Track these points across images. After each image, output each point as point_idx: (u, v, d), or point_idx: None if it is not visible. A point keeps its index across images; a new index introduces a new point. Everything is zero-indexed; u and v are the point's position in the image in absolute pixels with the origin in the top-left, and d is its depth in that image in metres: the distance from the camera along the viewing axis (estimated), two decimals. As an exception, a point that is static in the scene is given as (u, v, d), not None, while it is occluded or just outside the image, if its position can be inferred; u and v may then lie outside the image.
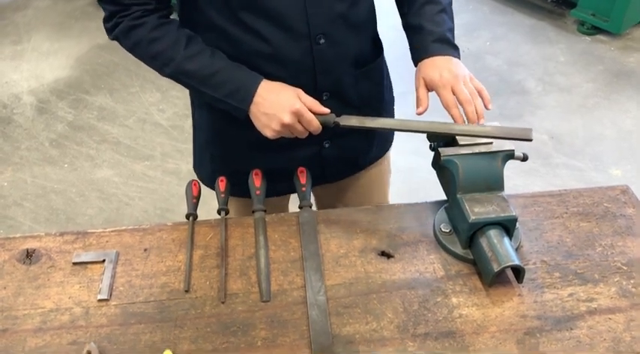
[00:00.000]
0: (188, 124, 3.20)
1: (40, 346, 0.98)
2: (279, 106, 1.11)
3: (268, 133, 1.15)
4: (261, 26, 1.14)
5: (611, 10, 3.69)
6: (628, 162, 2.96)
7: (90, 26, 4.08)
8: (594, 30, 3.85)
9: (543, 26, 3.99)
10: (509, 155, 1.13)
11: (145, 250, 1.15)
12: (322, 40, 1.17)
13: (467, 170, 1.12)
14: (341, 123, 1.15)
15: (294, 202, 1.34)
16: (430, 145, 1.21)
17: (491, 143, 1.14)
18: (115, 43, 1.21)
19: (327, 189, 1.49)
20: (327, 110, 1.15)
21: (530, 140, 1.09)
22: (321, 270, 1.10)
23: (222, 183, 1.25)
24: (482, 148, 1.13)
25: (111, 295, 1.06)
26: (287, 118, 1.11)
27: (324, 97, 1.24)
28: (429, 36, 1.22)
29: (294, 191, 1.29)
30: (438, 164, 1.17)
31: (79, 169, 2.91)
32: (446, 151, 1.14)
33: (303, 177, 1.27)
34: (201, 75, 1.15)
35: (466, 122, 1.16)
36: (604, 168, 2.92)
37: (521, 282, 1.07)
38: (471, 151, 1.13)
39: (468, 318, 1.03)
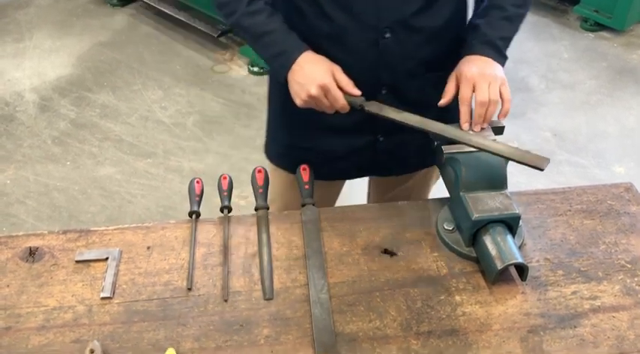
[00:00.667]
0: (190, 121, 3.20)
1: (44, 344, 0.98)
2: (311, 77, 1.14)
3: (297, 102, 1.17)
4: (330, 8, 1.17)
5: (614, 7, 3.68)
6: (631, 159, 2.95)
7: (92, 24, 4.08)
8: (597, 27, 3.84)
9: (546, 23, 3.98)
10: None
11: (148, 248, 1.15)
12: (388, 35, 1.18)
13: (470, 168, 1.12)
14: (366, 108, 1.17)
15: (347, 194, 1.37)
16: (433, 143, 1.21)
17: (494, 141, 1.13)
18: (117, 40, 1.22)
19: (378, 181, 1.58)
20: (357, 92, 1.17)
21: (542, 170, 1.06)
22: (324, 268, 1.10)
23: (224, 181, 1.25)
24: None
25: (114, 293, 1.06)
26: (314, 91, 1.13)
27: (383, 91, 1.25)
28: (481, 37, 1.22)
29: (347, 177, 1.36)
30: (440, 162, 1.17)
31: (82, 166, 2.90)
32: (449, 149, 1.14)
33: (305, 175, 1.27)
34: (254, 32, 1.19)
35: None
36: (607, 165, 2.91)
37: (525, 280, 1.07)
38: (474, 149, 1.12)
39: (472, 316, 1.02)
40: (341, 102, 1.15)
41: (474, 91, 1.15)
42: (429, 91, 1.24)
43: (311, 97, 1.14)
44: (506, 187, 1.13)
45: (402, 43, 1.20)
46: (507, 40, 1.24)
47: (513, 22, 1.24)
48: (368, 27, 1.18)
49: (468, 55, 1.21)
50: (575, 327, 1.01)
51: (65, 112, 3.28)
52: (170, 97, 3.38)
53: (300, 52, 1.16)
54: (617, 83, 3.39)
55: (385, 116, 1.17)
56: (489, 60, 1.19)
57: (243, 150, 3.00)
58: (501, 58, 1.21)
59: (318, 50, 1.18)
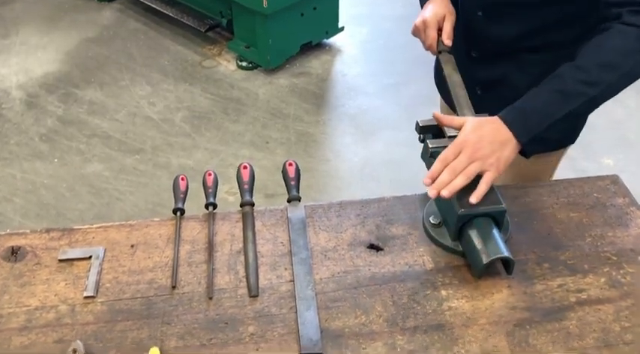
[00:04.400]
0: (179, 117, 3.18)
1: (26, 344, 0.97)
2: (424, 11, 1.33)
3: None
4: None
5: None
6: (620, 151, 2.96)
7: (79, 19, 4.05)
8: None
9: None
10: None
11: (132, 246, 1.13)
12: (480, 13, 1.30)
13: (455, 162, 1.11)
14: (440, 56, 1.33)
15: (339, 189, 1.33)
16: (419, 137, 1.21)
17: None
18: (105, 35, 1.21)
19: None
20: (447, 42, 1.30)
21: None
22: (310, 264, 1.09)
23: (209, 177, 1.24)
24: (471, 140, 1.12)
25: (97, 292, 1.05)
26: (417, 21, 1.32)
27: (474, 54, 1.37)
28: (518, 102, 1.11)
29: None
30: (426, 156, 1.16)
31: (69, 163, 2.88)
32: (434, 143, 1.14)
33: (291, 170, 1.26)
34: None
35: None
36: (595, 157, 2.92)
37: (511, 274, 1.06)
38: (459, 143, 1.12)
39: (458, 310, 1.02)
40: (429, 41, 1.31)
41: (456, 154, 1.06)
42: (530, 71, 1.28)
43: (415, 25, 1.32)
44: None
45: (492, 21, 1.30)
46: (546, 117, 1.07)
47: (568, 100, 1.07)
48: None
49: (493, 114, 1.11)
50: (561, 320, 1.01)
51: (52, 108, 3.26)
52: (158, 93, 3.36)
53: None
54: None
55: (444, 69, 1.30)
56: (503, 131, 1.07)
57: (232, 145, 2.99)
58: (523, 135, 1.07)
59: None
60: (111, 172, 2.83)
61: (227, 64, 3.59)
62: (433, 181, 1.05)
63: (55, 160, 2.91)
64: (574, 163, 2.86)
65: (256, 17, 3.29)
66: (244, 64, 3.52)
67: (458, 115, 1.21)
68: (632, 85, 1.11)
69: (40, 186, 2.76)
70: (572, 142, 1.51)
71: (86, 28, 3.95)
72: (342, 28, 3.71)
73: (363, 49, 3.76)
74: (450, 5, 1.34)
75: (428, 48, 1.33)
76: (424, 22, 1.31)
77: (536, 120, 1.08)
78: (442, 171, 1.05)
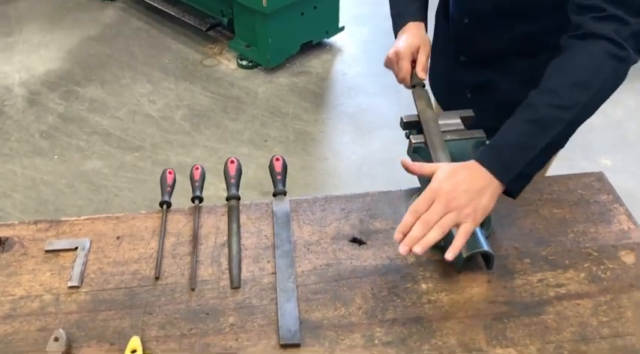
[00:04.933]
0: (179, 115, 3.20)
1: (9, 332, 0.98)
2: (397, 42, 1.28)
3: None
4: None
5: None
6: (618, 151, 2.96)
7: (82, 18, 4.08)
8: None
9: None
10: (481, 142, 1.13)
11: (118, 237, 1.15)
12: (466, 20, 1.29)
13: (438, 157, 1.12)
14: (414, 92, 1.26)
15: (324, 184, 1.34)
16: (405, 133, 1.22)
17: (463, 130, 1.14)
18: (107, 34, 1.23)
19: None
20: (421, 75, 1.26)
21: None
22: (292, 257, 1.10)
23: (196, 171, 1.26)
24: (454, 135, 1.13)
25: (82, 282, 1.07)
26: (390, 53, 1.27)
27: (462, 58, 1.37)
28: (492, 139, 1.03)
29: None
30: (410, 151, 1.17)
31: (69, 160, 2.91)
32: (417, 138, 1.15)
33: (278, 165, 1.27)
34: None
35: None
36: (594, 157, 2.92)
37: (491, 268, 1.07)
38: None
39: (437, 304, 1.03)
40: (402, 74, 1.26)
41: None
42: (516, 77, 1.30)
43: (387, 57, 1.28)
44: (475, 177, 1.13)
45: (479, 27, 1.29)
46: (523, 151, 0.99)
47: (544, 129, 0.99)
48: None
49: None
50: (539, 314, 1.01)
51: (53, 106, 3.28)
52: (159, 91, 3.38)
53: (409, 20, 1.30)
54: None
55: (416, 105, 1.24)
56: (480, 176, 0.99)
57: (231, 143, 3.00)
58: (503, 174, 0.99)
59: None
60: (110, 169, 2.85)
61: (227, 63, 3.61)
62: (404, 235, 0.95)
63: (55, 156, 2.94)
64: (572, 163, 2.87)
65: (256, 16, 3.31)
66: (245, 63, 3.54)
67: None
68: (631, 85, 1.08)
69: (40, 182, 2.79)
70: (561, 147, 1.50)
71: (89, 26, 3.98)
72: (343, 28, 3.73)
73: (364, 48, 3.78)
74: (425, 36, 1.30)
75: (401, 81, 1.27)
76: (397, 54, 1.25)
77: (512, 155, 1.00)
78: (414, 224, 0.95)
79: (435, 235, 0.94)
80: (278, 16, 3.29)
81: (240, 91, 3.38)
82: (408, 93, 1.29)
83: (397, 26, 1.32)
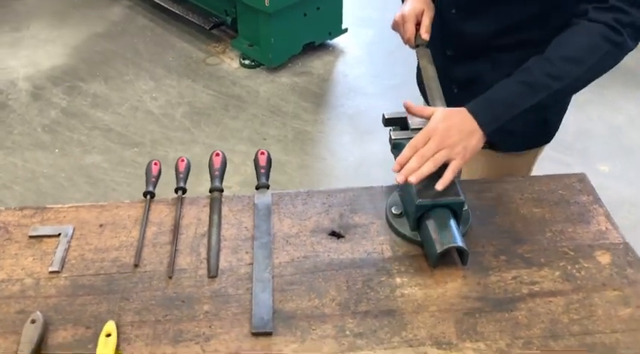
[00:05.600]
0: (180, 112, 3.23)
1: (-12, 313, 1.00)
2: (404, 6, 1.36)
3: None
4: None
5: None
6: (616, 158, 2.96)
7: (89, 15, 4.12)
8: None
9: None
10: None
11: (101, 225, 1.17)
12: (454, 11, 1.32)
13: (417, 153, 1.13)
14: (417, 51, 1.35)
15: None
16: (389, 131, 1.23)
17: (442, 127, 1.15)
18: (113, 31, 1.25)
19: None
20: (424, 36, 1.32)
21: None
22: (270, 248, 1.12)
23: (182, 163, 1.28)
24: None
25: (62, 268, 1.08)
26: (396, 15, 1.36)
27: (448, 53, 1.39)
28: (488, 92, 1.14)
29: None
30: (391, 147, 1.19)
31: (70, 154, 2.94)
32: (397, 135, 1.16)
33: (263, 159, 1.29)
34: None
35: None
36: (592, 163, 2.91)
37: (465, 264, 1.08)
38: (422, 135, 1.14)
39: (410, 297, 1.04)
40: (407, 35, 1.34)
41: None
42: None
43: (394, 20, 1.36)
44: (454, 174, 1.14)
45: (467, 19, 1.32)
46: (511, 108, 1.11)
47: (534, 92, 1.10)
48: None
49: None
50: (511, 310, 1.02)
51: (57, 100, 3.32)
52: (161, 88, 3.41)
53: None
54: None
55: (419, 62, 1.34)
56: (470, 121, 1.11)
57: (230, 141, 3.03)
58: (487, 125, 1.11)
59: None
60: (109, 164, 2.88)
61: (230, 62, 3.64)
62: (402, 167, 1.08)
63: (56, 150, 2.97)
64: (569, 169, 2.86)
65: (259, 16, 3.34)
66: (247, 62, 3.56)
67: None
68: (631, 92, 1.15)
69: (40, 175, 2.82)
70: (547, 142, 1.52)
71: (95, 23, 4.02)
72: (346, 30, 3.74)
73: (367, 50, 3.79)
74: (429, 1, 1.37)
75: (406, 42, 1.36)
76: (403, 17, 1.34)
77: (500, 110, 1.12)
78: (411, 157, 1.08)
79: (428, 168, 1.06)
80: (281, 16, 3.31)
81: (242, 89, 3.41)
82: (408, 95, 1.31)
83: None
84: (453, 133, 1.09)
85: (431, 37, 1.40)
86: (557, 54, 1.12)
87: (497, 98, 1.13)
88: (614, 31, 1.09)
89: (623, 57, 1.13)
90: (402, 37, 1.38)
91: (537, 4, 1.23)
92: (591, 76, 1.12)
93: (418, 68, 1.60)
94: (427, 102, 1.57)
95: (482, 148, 1.46)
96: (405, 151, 1.09)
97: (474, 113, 1.12)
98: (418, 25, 1.35)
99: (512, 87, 1.12)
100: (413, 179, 1.05)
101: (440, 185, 1.07)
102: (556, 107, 1.44)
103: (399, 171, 1.08)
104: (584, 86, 1.15)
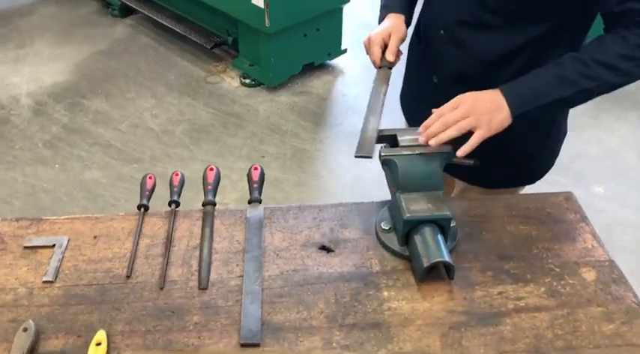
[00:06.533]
0: (179, 129, 3.26)
1: (-19, 322, 1.02)
2: (375, 29, 1.39)
3: None
4: None
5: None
6: (611, 180, 2.98)
7: (92, 33, 4.18)
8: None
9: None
10: (449, 157, 1.17)
11: (95, 237, 1.19)
12: (442, 31, 1.33)
13: (405, 170, 1.16)
14: (376, 74, 1.36)
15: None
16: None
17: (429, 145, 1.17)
18: (115, 49, 1.29)
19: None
20: (389, 58, 1.34)
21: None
22: (261, 261, 1.14)
23: (176, 177, 1.30)
24: (422, 149, 1.16)
25: (56, 278, 1.10)
26: (365, 38, 1.38)
27: (434, 80, 1.40)
28: (521, 78, 1.19)
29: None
30: (381, 164, 1.21)
31: (69, 169, 2.97)
32: (387, 151, 1.18)
33: (255, 174, 1.31)
34: None
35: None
36: (586, 185, 2.93)
37: (452, 278, 1.10)
38: (410, 152, 1.16)
39: (397, 311, 1.06)
40: (372, 57, 1.36)
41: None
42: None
43: (363, 41, 1.38)
44: (442, 189, 1.17)
45: (456, 42, 1.32)
46: (539, 96, 1.16)
47: (563, 86, 1.15)
48: (436, 20, 1.36)
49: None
50: (496, 325, 1.04)
51: (58, 117, 3.36)
52: (162, 106, 3.45)
53: (390, 12, 1.41)
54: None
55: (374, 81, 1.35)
56: (499, 98, 1.16)
57: (229, 158, 3.06)
58: (515, 106, 1.15)
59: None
60: (108, 180, 2.90)
61: (231, 81, 3.68)
62: (426, 129, 1.14)
63: (57, 165, 3.00)
64: (564, 189, 2.88)
65: (260, 36, 3.39)
66: (247, 81, 3.61)
67: (365, 121, 1.26)
68: (626, 115, 1.17)
69: (40, 190, 2.85)
70: (530, 183, 1.54)
71: (98, 41, 4.07)
72: (345, 50, 3.79)
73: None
74: (400, 24, 1.39)
75: (372, 63, 1.38)
76: (369, 40, 1.37)
77: (529, 96, 1.16)
78: (433, 122, 1.13)
79: (450, 133, 1.12)
80: (281, 36, 3.36)
81: (242, 108, 3.45)
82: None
83: (380, 16, 1.44)
84: (480, 104, 1.14)
85: (415, 62, 1.42)
86: (591, 56, 1.15)
87: (528, 84, 1.17)
88: None
89: None
90: (370, 55, 1.39)
91: (525, 32, 1.23)
92: (622, 81, 1.17)
93: (402, 89, 1.63)
94: (408, 122, 1.60)
95: (468, 182, 1.49)
96: (432, 117, 1.15)
97: (502, 91, 1.16)
98: (387, 47, 1.36)
99: (544, 78, 1.17)
100: (432, 142, 1.12)
101: (461, 152, 1.12)
102: (544, 147, 1.46)
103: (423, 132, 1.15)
104: (612, 91, 1.19)
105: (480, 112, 1.14)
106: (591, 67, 1.15)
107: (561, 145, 1.51)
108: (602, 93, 1.19)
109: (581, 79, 1.15)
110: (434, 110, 1.18)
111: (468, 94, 1.17)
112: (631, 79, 1.17)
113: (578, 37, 1.27)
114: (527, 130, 1.35)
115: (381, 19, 1.43)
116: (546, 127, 1.41)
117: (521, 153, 1.42)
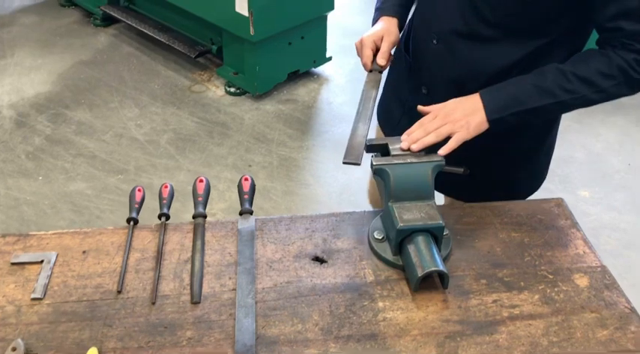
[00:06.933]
0: (164, 139, 3.24)
1: (-32, 341, 1.00)
2: (367, 32, 1.39)
3: None
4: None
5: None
6: (597, 184, 3.00)
7: (74, 43, 4.14)
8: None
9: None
10: (440, 166, 1.16)
11: (84, 252, 1.17)
12: (435, 41, 1.32)
13: (397, 179, 1.15)
14: (366, 78, 1.36)
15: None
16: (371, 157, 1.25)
17: (422, 154, 1.17)
18: (98, 59, 1.28)
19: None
20: (380, 61, 1.35)
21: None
22: (254, 273, 1.13)
23: (165, 189, 1.28)
24: (413, 159, 1.16)
25: (45, 295, 1.08)
26: (357, 40, 1.38)
27: (424, 90, 1.39)
28: (501, 83, 1.22)
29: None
30: (373, 173, 1.21)
31: (53, 181, 2.93)
32: (378, 161, 1.18)
33: (246, 185, 1.30)
34: None
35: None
36: (573, 189, 2.96)
37: (446, 287, 1.10)
38: (402, 161, 1.16)
39: (392, 321, 1.05)
40: (363, 60, 1.36)
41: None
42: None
43: (355, 44, 1.38)
44: (433, 199, 1.17)
45: (449, 52, 1.31)
46: (516, 103, 1.18)
47: (541, 96, 1.17)
48: (427, 28, 1.36)
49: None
50: (491, 334, 1.04)
51: (41, 128, 3.31)
52: (146, 115, 3.42)
53: (384, 14, 1.41)
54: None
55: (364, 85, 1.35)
56: (476, 101, 1.19)
57: (215, 168, 3.03)
58: (493, 109, 1.18)
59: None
60: (93, 191, 2.87)
61: (216, 90, 3.66)
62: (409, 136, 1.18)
63: (40, 177, 2.96)
64: (551, 194, 2.86)
65: (245, 45, 3.38)
66: (232, 89, 3.59)
67: (353, 127, 1.26)
68: (611, 119, 1.18)
69: (23, 202, 2.80)
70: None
71: (80, 51, 4.03)
72: (330, 58, 3.80)
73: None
74: (392, 28, 1.39)
75: (363, 66, 1.38)
76: (361, 42, 1.38)
77: (506, 102, 1.18)
78: (415, 129, 1.18)
79: (431, 139, 1.16)
80: (266, 45, 3.35)
81: (227, 116, 3.43)
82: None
83: (374, 19, 1.44)
84: (457, 111, 1.18)
85: (402, 73, 1.42)
86: (573, 70, 1.17)
87: (507, 91, 1.19)
88: (632, 69, 1.14)
89: (632, 93, 1.19)
90: (361, 58, 1.39)
91: (517, 42, 1.23)
92: (596, 98, 1.18)
93: (380, 101, 1.61)
94: (384, 131, 1.59)
95: (450, 196, 1.50)
96: (414, 126, 1.20)
97: (481, 95, 1.20)
98: (378, 50, 1.36)
99: (524, 86, 1.19)
100: (414, 147, 1.16)
101: (443, 150, 1.15)
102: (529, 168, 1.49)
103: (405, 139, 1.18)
104: (588, 106, 1.21)
105: (457, 117, 1.17)
106: (571, 80, 1.16)
107: (547, 170, 1.56)
108: (578, 107, 1.20)
109: (559, 91, 1.16)
110: (417, 122, 1.20)
111: (448, 103, 1.21)
112: (608, 98, 1.18)
113: (574, 53, 1.27)
114: (515, 155, 1.41)
115: (374, 21, 1.43)
116: (534, 153, 1.45)
117: (507, 176, 1.46)
